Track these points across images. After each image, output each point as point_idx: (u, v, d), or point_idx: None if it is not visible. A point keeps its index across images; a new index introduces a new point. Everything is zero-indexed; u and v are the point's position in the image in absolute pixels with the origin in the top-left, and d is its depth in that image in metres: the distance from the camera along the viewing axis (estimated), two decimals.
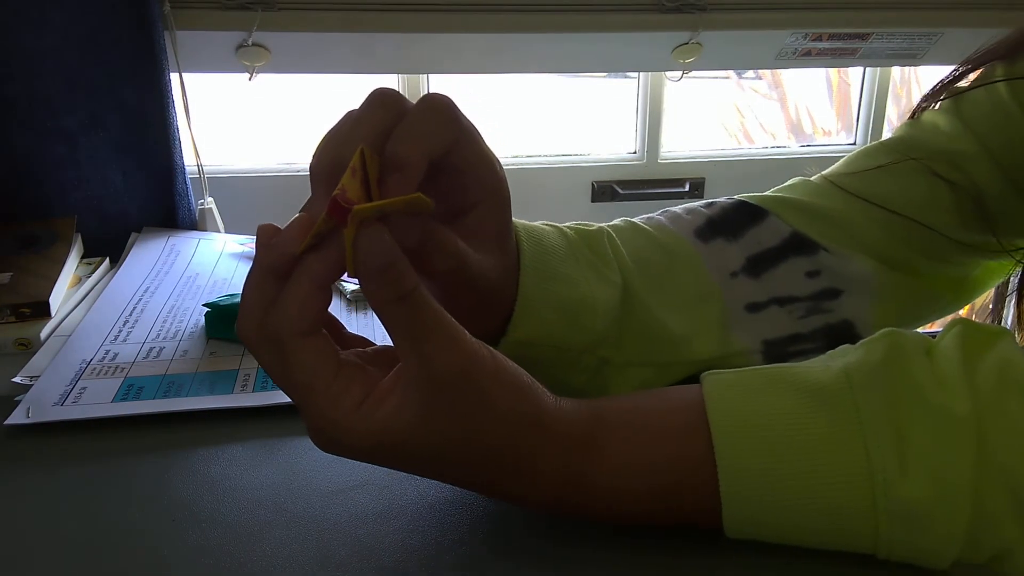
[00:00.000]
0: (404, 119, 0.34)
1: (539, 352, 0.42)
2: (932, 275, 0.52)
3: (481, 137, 0.37)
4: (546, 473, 0.34)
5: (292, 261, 0.32)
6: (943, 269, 0.53)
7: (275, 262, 0.32)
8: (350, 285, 0.65)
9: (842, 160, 0.55)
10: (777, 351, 0.48)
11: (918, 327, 0.57)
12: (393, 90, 0.35)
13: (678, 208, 0.52)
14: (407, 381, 0.32)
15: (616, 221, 0.50)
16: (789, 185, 0.54)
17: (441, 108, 0.35)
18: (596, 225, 0.48)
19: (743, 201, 0.52)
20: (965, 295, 0.55)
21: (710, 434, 0.33)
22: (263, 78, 0.84)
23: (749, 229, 0.50)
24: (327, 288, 0.32)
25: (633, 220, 0.51)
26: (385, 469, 0.38)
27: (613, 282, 0.45)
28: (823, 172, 0.55)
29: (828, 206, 0.51)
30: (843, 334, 0.50)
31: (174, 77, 0.76)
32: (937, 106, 0.54)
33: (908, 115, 0.56)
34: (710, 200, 0.52)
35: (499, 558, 0.35)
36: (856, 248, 0.50)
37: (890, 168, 0.52)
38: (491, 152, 0.38)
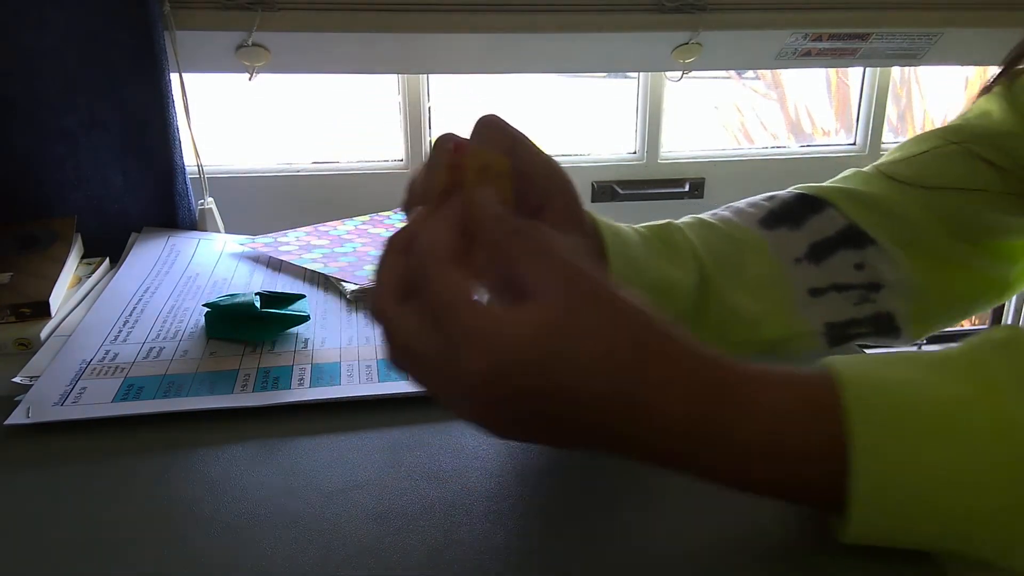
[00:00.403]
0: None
1: None
2: (976, 267, 0.54)
3: (534, 143, 0.42)
4: (675, 403, 0.32)
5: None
6: (988, 259, 0.54)
7: (405, 239, 0.36)
8: (350, 285, 0.65)
9: (893, 148, 0.58)
10: (838, 333, 0.51)
11: (959, 322, 0.59)
12: (447, 132, 0.40)
13: (740, 203, 0.55)
14: (535, 303, 0.32)
15: (684, 218, 0.53)
16: (843, 176, 0.57)
17: (491, 123, 0.41)
18: (664, 220, 0.51)
19: (802, 193, 0.54)
20: (1009, 289, 0.56)
21: (837, 387, 0.33)
22: (263, 78, 0.84)
23: (810, 218, 0.52)
24: (458, 229, 0.35)
25: (700, 216, 0.53)
26: (383, 470, 0.38)
27: (687, 268, 0.48)
28: (875, 163, 0.57)
29: (878, 194, 0.53)
30: (886, 324, 0.52)
31: (174, 77, 0.76)
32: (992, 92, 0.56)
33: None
34: (770, 194, 0.55)
35: (499, 558, 0.35)
36: (903, 236, 0.52)
37: (934, 153, 0.54)
38: (546, 155, 0.43)
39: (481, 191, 0.35)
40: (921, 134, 0.56)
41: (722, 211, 0.54)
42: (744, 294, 0.50)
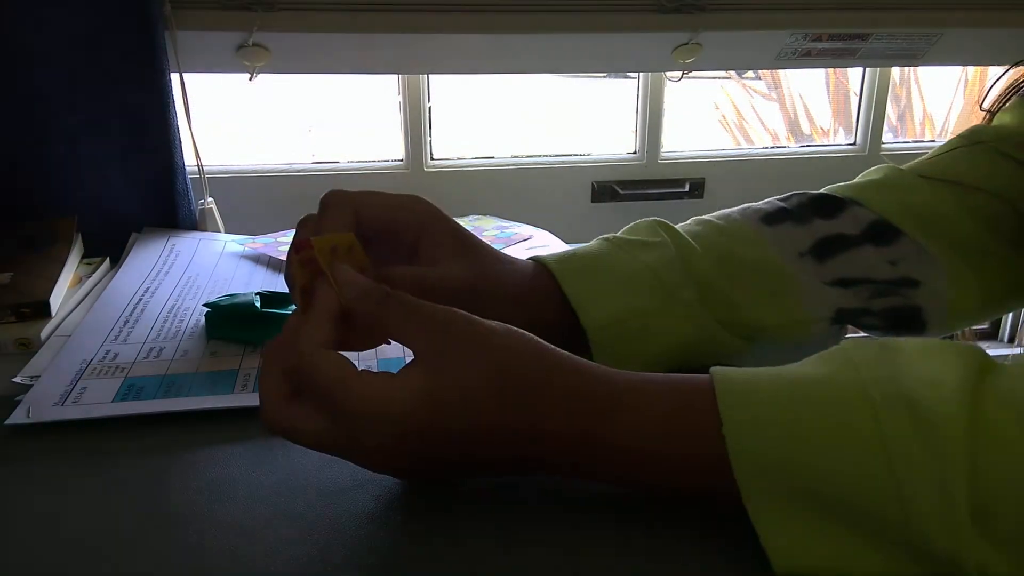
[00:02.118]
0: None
1: (629, 326, 0.47)
2: (1014, 265, 0.54)
3: (379, 194, 0.45)
4: (559, 424, 0.35)
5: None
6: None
7: (278, 346, 0.38)
8: None
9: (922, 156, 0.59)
10: (849, 320, 0.52)
11: (996, 318, 0.60)
12: (302, 219, 0.45)
13: (759, 202, 0.56)
14: (417, 358, 0.36)
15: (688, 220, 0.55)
16: (874, 169, 0.58)
17: (329, 201, 0.44)
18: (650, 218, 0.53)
19: (824, 194, 0.55)
20: None
21: (714, 391, 0.35)
22: (264, 78, 0.84)
23: (816, 220, 0.53)
24: (334, 321, 0.38)
25: (701, 216, 0.55)
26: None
27: (660, 243, 0.50)
28: (903, 165, 0.58)
29: (911, 189, 0.54)
30: (908, 318, 0.52)
31: (174, 77, 0.76)
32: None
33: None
34: (794, 192, 0.56)
35: (498, 558, 0.36)
36: (937, 231, 0.52)
37: (961, 151, 0.55)
38: (402, 196, 0.46)
39: (341, 272, 0.38)
40: (947, 141, 0.58)
41: (731, 209, 0.56)
42: (734, 282, 0.51)
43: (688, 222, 0.54)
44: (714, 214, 0.55)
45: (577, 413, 0.35)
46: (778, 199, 0.55)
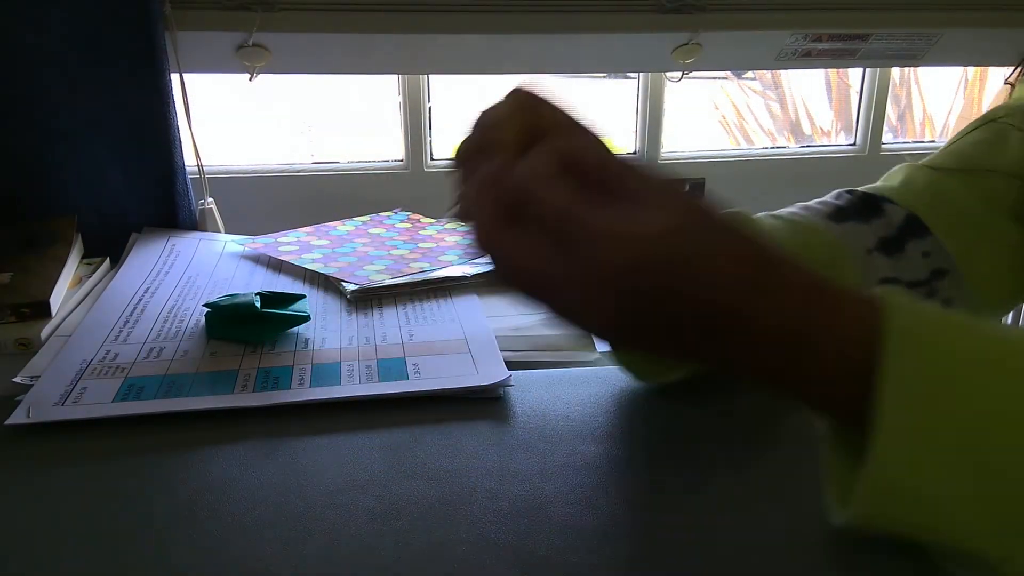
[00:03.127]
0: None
1: None
2: None
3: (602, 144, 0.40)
4: (784, 318, 0.33)
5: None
6: None
7: (495, 175, 0.35)
8: (350, 285, 0.65)
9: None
10: None
11: (1017, 307, 0.61)
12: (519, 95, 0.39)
13: (811, 201, 0.57)
14: (667, 205, 0.33)
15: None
16: (894, 171, 0.59)
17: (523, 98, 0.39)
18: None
19: (865, 193, 0.56)
20: None
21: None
22: (264, 78, 0.84)
23: (874, 218, 0.54)
24: (556, 162, 0.34)
25: (773, 212, 0.55)
26: (384, 468, 0.38)
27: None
28: (920, 162, 0.59)
29: (924, 184, 0.55)
30: None
31: (174, 77, 0.76)
32: None
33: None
34: (839, 191, 0.57)
35: (499, 558, 0.36)
36: (952, 222, 0.53)
37: (973, 134, 0.56)
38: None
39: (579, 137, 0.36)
40: (966, 126, 0.59)
41: (789, 208, 0.56)
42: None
43: (762, 215, 0.55)
44: (779, 211, 0.55)
45: (801, 314, 0.33)
46: (829, 198, 0.56)
